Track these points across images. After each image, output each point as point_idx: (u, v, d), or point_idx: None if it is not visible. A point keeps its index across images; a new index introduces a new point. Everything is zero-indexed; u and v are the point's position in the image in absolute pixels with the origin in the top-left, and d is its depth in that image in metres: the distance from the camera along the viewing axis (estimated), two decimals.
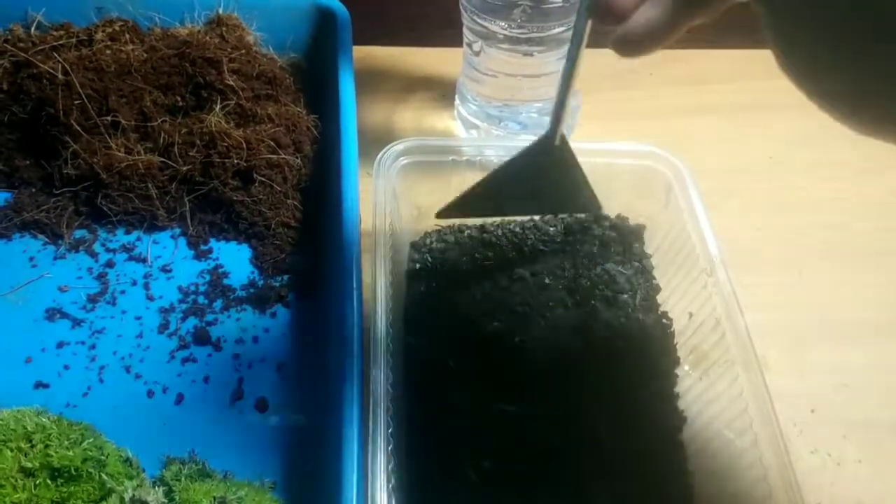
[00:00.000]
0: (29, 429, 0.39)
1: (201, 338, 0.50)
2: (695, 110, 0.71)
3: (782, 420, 0.42)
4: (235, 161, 0.54)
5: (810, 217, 0.62)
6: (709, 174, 0.55)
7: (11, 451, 0.38)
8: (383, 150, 0.51)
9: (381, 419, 0.40)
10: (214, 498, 0.39)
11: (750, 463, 0.42)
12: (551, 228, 0.56)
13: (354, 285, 0.45)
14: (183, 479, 0.41)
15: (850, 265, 0.59)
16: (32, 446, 0.38)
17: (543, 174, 0.45)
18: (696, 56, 0.76)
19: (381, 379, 0.41)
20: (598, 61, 0.74)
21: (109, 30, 0.59)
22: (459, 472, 0.44)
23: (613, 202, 0.56)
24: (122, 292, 0.52)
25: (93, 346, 0.49)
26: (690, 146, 0.57)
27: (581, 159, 0.53)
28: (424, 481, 0.44)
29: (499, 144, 0.55)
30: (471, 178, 0.54)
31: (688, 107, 0.71)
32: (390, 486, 0.38)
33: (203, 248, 0.55)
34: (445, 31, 0.74)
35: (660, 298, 0.54)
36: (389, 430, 0.39)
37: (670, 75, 0.74)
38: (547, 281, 0.54)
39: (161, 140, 0.55)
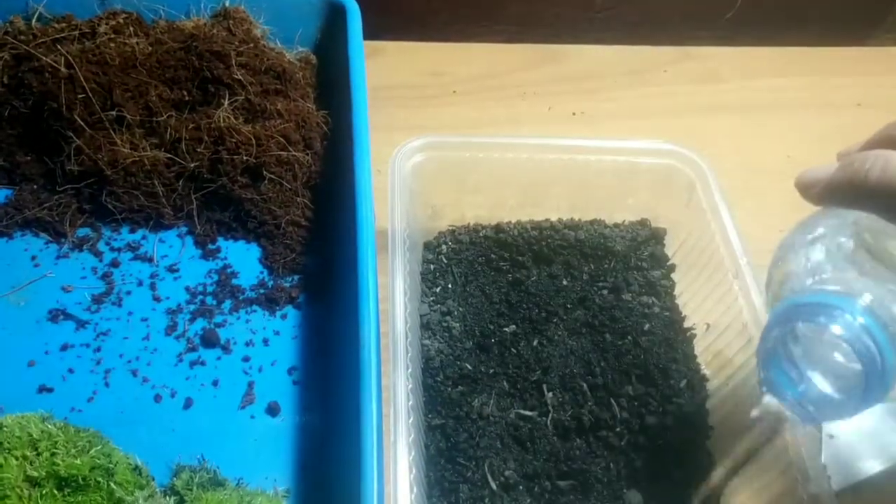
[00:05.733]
0: (34, 436, 0.38)
1: (210, 340, 0.49)
2: (710, 108, 0.70)
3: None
4: (244, 157, 0.53)
5: None
6: (726, 173, 0.54)
7: (17, 459, 0.36)
8: (398, 147, 0.50)
9: (401, 427, 0.38)
10: None
11: (781, 471, 0.41)
12: (568, 231, 0.55)
13: (371, 286, 0.43)
14: (195, 487, 0.39)
15: None
16: (38, 454, 0.37)
17: None
18: (710, 53, 0.75)
19: (400, 384, 0.40)
20: (612, 58, 0.73)
21: (113, 22, 0.58)
22: (480, 482, 0.42)
23: (634, 202, 0.55)
24: (128, 293, 0.51)
25: (98, 349, 0.48)
26: (707, 145, 0.55)
27: (602, 158, 0.52)
28: (445, 492, 0.42)
29: (519, 142, 0.53)
30: (487, 177, 0.53)
31: (703, 105, 0.70)
32: (412, 496, 0.36)
33: (211, 247, 0.54)
34: (456, 26, 0.73)
35: (681, 301, 0.52)
36: (410, 438, 0.38)
37: (685, 73, 0.73)
38: (565, 282, 0.53)
39: (167, 136, 0.54)
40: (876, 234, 0.30)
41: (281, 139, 0.54)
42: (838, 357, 0.30)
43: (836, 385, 0.30)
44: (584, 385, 0.47)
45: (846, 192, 0.30)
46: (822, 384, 0.30)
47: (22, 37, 0.56)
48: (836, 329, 0.28)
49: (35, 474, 0.36)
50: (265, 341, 0.49)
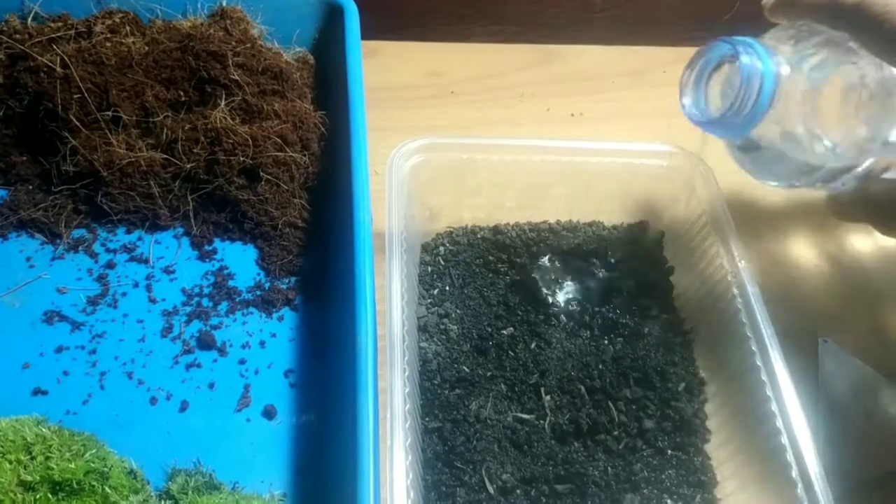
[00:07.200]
0: (28, 440, 0.37)
1: (206, 342, 0.48)
2: None
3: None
4: (241, 158, 0.52)
5: (833, 220, 0.61)
6: (725, 175, 0.53)
7: (10, 463, 0.36)
8: (395, 148, 0.50)
9: (398, 430, 0.38)
10: None
11: (780, 472, 0.40)
12: (567, 233, 0.54)
13: (368, 288, 0.43)
14: (190, 491, 0.39)
15: (876, 268, 0.58)
16: (32, 458, 0.37)
17: None
18: None
19: (396, 387, 0.40)
20: (611, 58, 0.73)
21: (109, 21, 0.57)
22: (477, 486, 0.42)
23: (633, 204, 0.54)
24: (124, 294, 0.50)
25: (93, 351, 0.47)
26: (705, 146, 0.55)
27: (600, 159, 0.52)
28: (442, 496, 0.42)
29: (518, 144, 0.53)
30: (485, 179, 0.53)
31: None
32: (409, 500, 0.36)
33: (207, 248, 0.53)
34: (454, 27, 0.72)
35: (679, 304, 0.52)
36: (407, 442, 0.38)
37: None
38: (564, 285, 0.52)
39: (164, 136, 0.53)
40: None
41: (278, 140, 0.53)
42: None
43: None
44: (582, 388, 0.47)
45: (788, 3, 0.38)
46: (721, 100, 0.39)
47: (17, 36, 0.55)
48: (743, 59, 0.36)
49: (29, 478, 0.36)
50: (261, 343, 0.49)
